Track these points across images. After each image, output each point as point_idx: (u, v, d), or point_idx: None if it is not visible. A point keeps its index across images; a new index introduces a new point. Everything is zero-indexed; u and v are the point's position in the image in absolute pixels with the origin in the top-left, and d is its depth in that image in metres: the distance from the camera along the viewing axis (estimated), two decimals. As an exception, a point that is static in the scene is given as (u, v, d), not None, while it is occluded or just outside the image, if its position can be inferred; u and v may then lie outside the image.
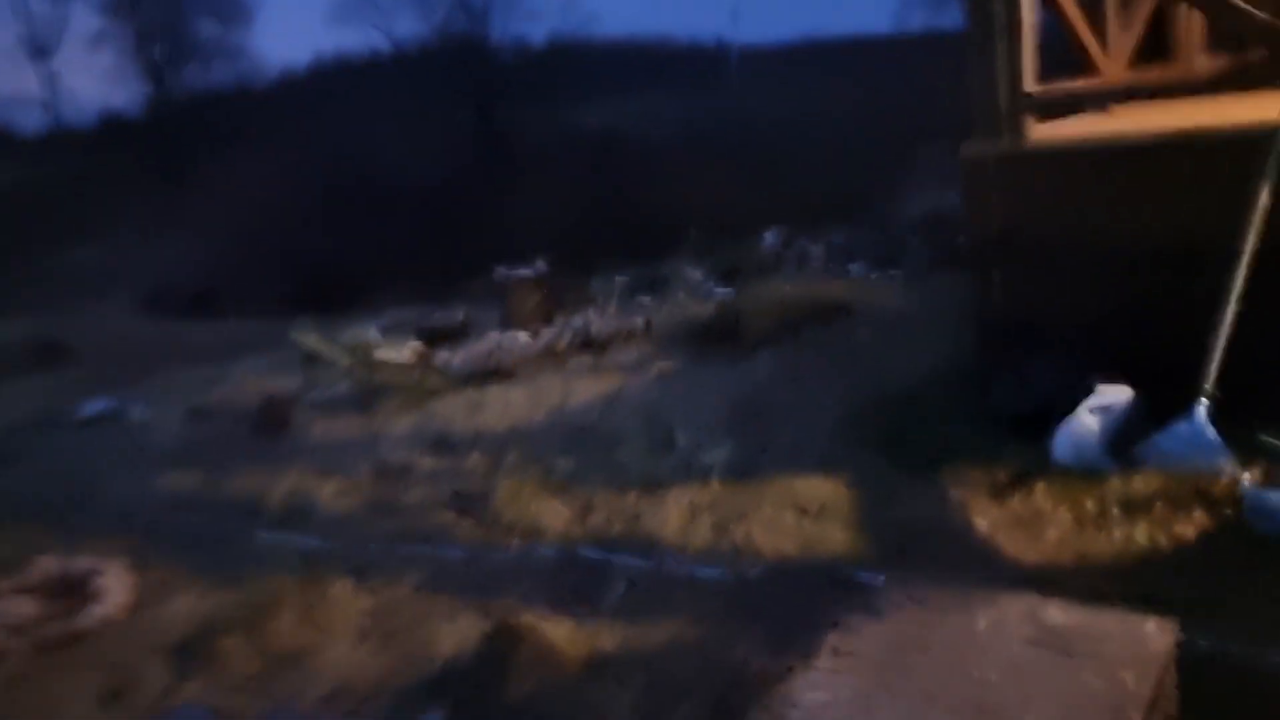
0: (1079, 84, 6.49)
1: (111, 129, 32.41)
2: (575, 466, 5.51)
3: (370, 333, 10.03)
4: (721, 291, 11.99)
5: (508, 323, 9.81)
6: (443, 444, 6.21)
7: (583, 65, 32.59)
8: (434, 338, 9.93)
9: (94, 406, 8.70)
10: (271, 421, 7.09)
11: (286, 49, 54.82)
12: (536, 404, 6.97)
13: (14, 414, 9.14)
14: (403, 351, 8.94)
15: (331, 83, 33.07)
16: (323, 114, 30.37)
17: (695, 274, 13.19)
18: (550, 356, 8.53)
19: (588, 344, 8.84)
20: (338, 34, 47.27)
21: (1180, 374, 4.58)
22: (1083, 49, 6.52)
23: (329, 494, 5.65)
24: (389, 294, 20.10)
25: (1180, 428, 4.52)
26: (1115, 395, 4.84)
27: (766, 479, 5.00)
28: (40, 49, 30.55)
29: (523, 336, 9.49)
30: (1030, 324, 5.37)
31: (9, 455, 7.46)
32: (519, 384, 7.61)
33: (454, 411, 7.03)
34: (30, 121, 32.16)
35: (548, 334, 9.24)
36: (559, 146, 25.56)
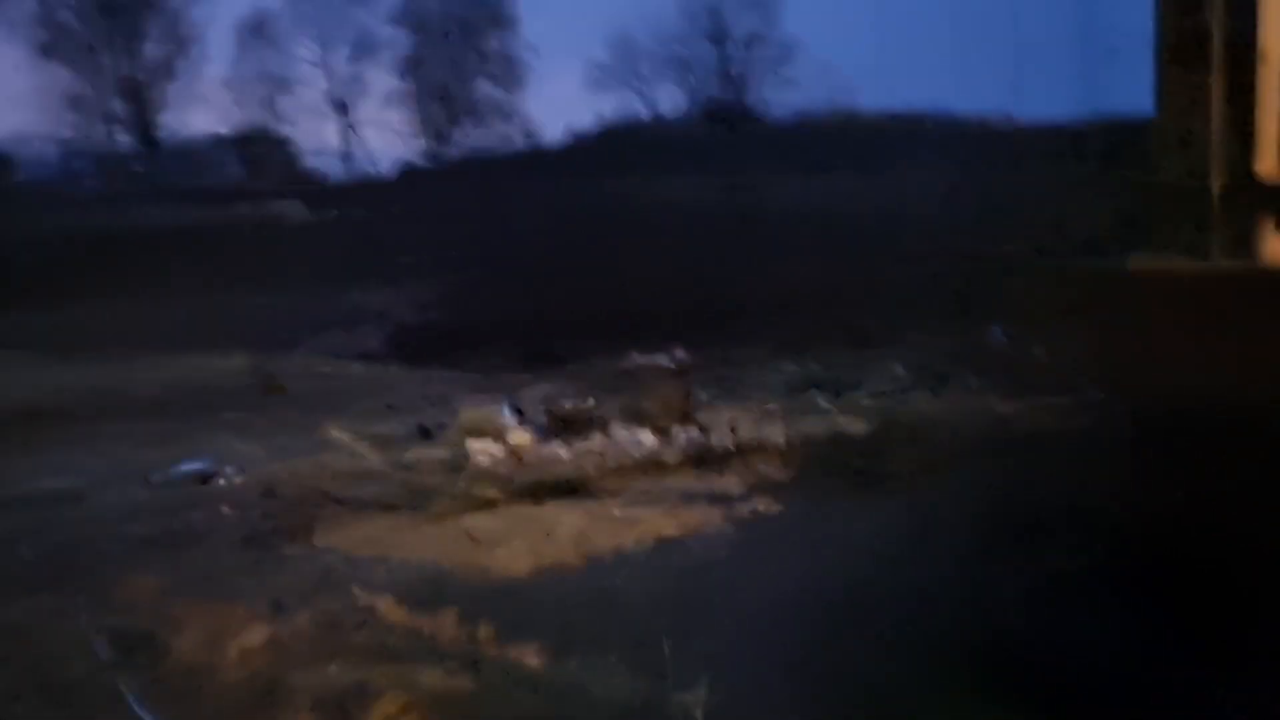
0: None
1: (400, 180, 34.17)
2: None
3: (494, 413, 8.85)
4: (917, 395, 9.92)
5: (637, 418, 8.31)
6: (417, 592, 4.76)
7: (837, 137, 30.86)
8: (560, 425, 8.61)
9: (186, 466, 8.02)
10: (289, 525, 5.96)
11: (550, 112, 56.39)
12: (579, 543, 5.40)
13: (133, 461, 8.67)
14: (499, 443, 7.67)
15: (589, 147, 33.23)
16: (571, 178, 30.51)
17: (899, 370, 11.17)
18: (652, 469, 6.95)
19: (705, 458, 7.20)
20: (598, 100, 48.02)
21: None
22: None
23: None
24: (606, 356, 19.34)
25: None
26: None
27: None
28: (340, 104, 32.67)
29: (647, 438, 7.97)
30: None
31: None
32: (583, 506, 6.07)
33: (471, 540, 5.59)
34: (330, 169, 34.49)
35: (662, 439, 7.68)
36: (799, 223, 23.98)
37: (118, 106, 31.43)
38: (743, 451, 7.12)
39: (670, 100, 35.48)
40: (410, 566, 5.19)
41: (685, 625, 4.14)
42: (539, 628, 4.23)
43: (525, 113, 35.76)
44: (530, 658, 3.96)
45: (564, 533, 5.56)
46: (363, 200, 33.65)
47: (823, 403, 9.58)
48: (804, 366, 11.14)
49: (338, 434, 7.28)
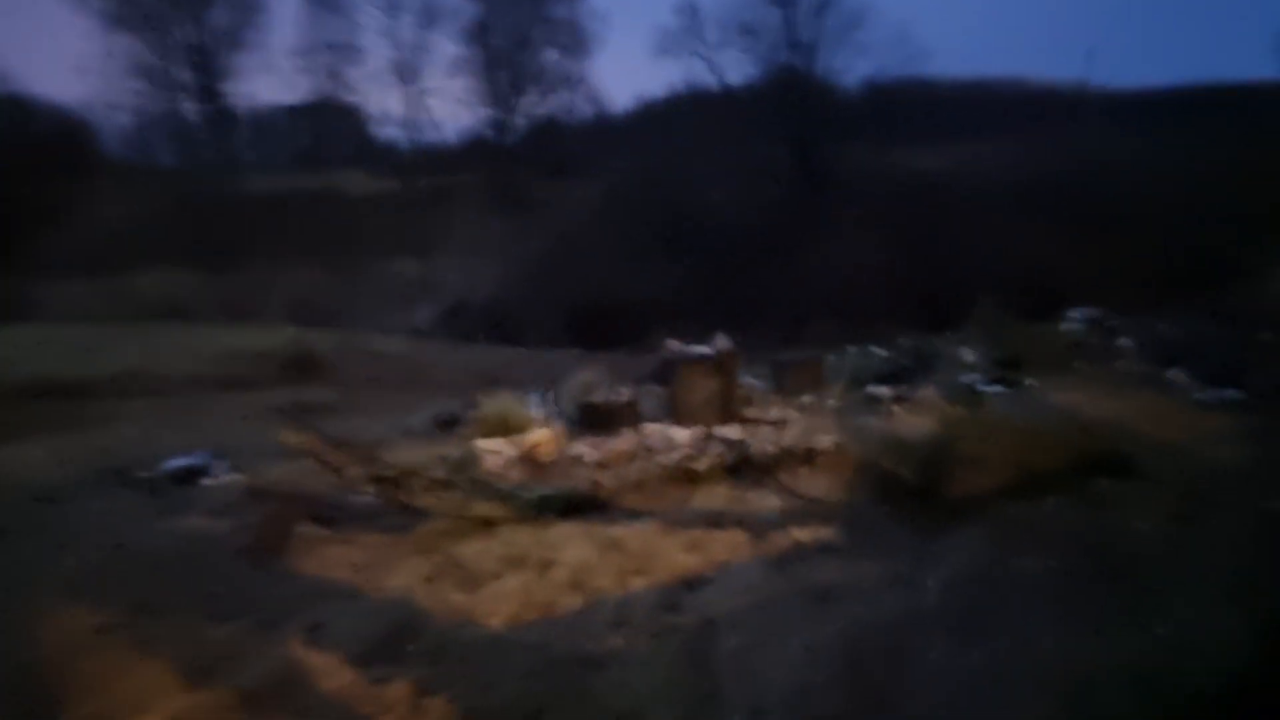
0: None
1: (465, 150, 33.39)
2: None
3: (522, 404, 7.91)
4: (991, 390, 8.71)
5: (675, 414, 7.30)
6: (374, 650, 3.84)
7: (915, 105, 29.11)
8: (595, 418, 7.63)
9: (178, 461, 7.24)
10: (265, 542, 5.09)
11: (615, 79, 54.96)
12: (579, 582, 4.43)
13: (124, 454, 7.95)
14: (516, 442, 6.71)
15: (657, 116, 31.98)
16: (645, 147, 29.30)
17: (969, 356, 9.94)
18: (682, 478, 5.94)
19: (742, 465, 6.16)
20: (663, 67, 46.45)
21: None
22: None
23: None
24: (673, 333, 18.19)
25: None
26: None
27: None
28: (407, 72, 31.89)
29: (681, 436, 6.95)
30: None
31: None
32: (593, 531, 5.08)
33: (457, 572, 4.64)
34: (395, 138, 33.85)
35: (697, 441, 6.64)
36: (873, 192, 22.56)
37: (186, 76, 31.05)
38: (789, 458, 6.06)
39: (738, 68, 34.05)
40: (376, 610, 4.27)
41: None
42: (504, 708, 3.30)
43: (592, 80, 34.66)
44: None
45: (565, 567, 4.60)
46: (428, 169, 32.96)
47: (885, 393, 8.47)
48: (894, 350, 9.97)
49: (286, 437, 6.32)
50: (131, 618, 4.28)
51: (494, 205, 31.20)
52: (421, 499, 5.24)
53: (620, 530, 5.05)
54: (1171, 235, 16.21)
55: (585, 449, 6.92)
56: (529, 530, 5.13)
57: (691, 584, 4.30)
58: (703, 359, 7.29)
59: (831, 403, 8.19)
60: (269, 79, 48.86)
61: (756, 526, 4.98)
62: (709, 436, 6.78)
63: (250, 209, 29.36)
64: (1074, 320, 11.16)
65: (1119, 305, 12.21)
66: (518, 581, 4.48)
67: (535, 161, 31.70)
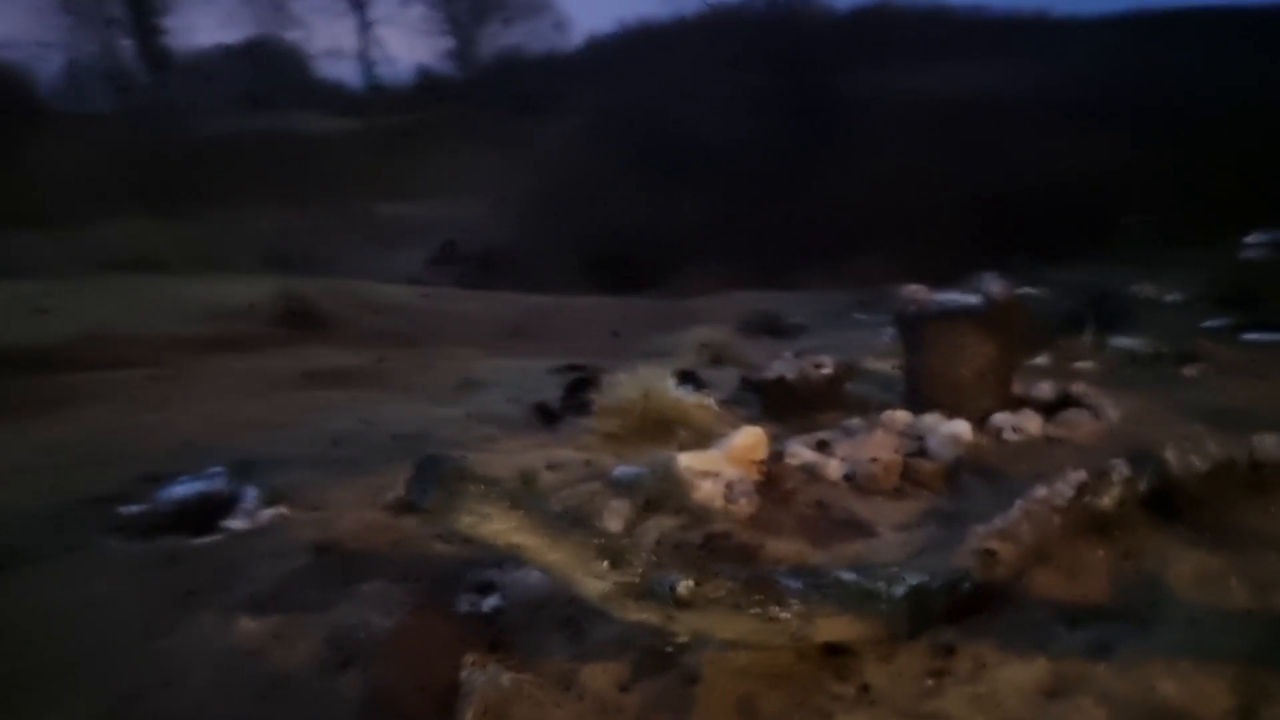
0: None
1: (424, 85, 29.81)
2: None
3: (662, 380, 5.24)
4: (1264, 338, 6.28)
5: (930, 394, 4.71)
6: None
7: (887, 32, 26.40)
8: (784, 402, 5.03)
9: (184, 488, 4.45)
10: (407, 702, 2.45)
11: (588, 7, 50.87)
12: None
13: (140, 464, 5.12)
14: (736, 452, 4.07)
15: (637, 45, 28.80)
16: (628, 78, 26.20)
17: (1171, 295, 7.57)
18: (1085, 526, 3.36)
19: (1165, 495, 3.61)
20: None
21: None
22: None
23: None
24: (697, 277, 15.45)
25: None
26: None
27: None
28: (358, 1, 28.08)
29: (963, 430, 4.38)
30: None
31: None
32: (1052, 662, 2.49)
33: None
34: (346, 75, 30.09)
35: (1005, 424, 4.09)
36: (884, 114, 19.88)
37: (117, 11, 26.88)
38: (1235, 479, 3.52)
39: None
40: None
41: None
42: None
43: (559, 6, 31.21)
44: None
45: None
46: (384, 108, 29.32)
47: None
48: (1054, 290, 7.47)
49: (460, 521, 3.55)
50: None
51: (467, 143, 27.87)
52: (708, 607, 2.56)
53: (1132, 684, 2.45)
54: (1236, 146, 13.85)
55: (808, 453, 4.32)
56: (915, 671, 2.52)
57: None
58: (971, 313, 4.66)
59: (1085, 364, 5.72)
60: (207, 15, 44.01)
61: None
62: (1010, 434, 4.23)
63: (204, 153, 25.67)
64: (1257, 245, 8.81)
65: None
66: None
67: (502, 96, 28.32)
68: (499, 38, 29.07)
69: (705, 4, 25.79)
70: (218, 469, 4.62)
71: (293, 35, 30.51)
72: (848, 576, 2.60)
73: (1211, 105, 15.09)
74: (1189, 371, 5.49)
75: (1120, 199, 11.06)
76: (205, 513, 4.22)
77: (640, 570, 2.15)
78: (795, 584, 2.42)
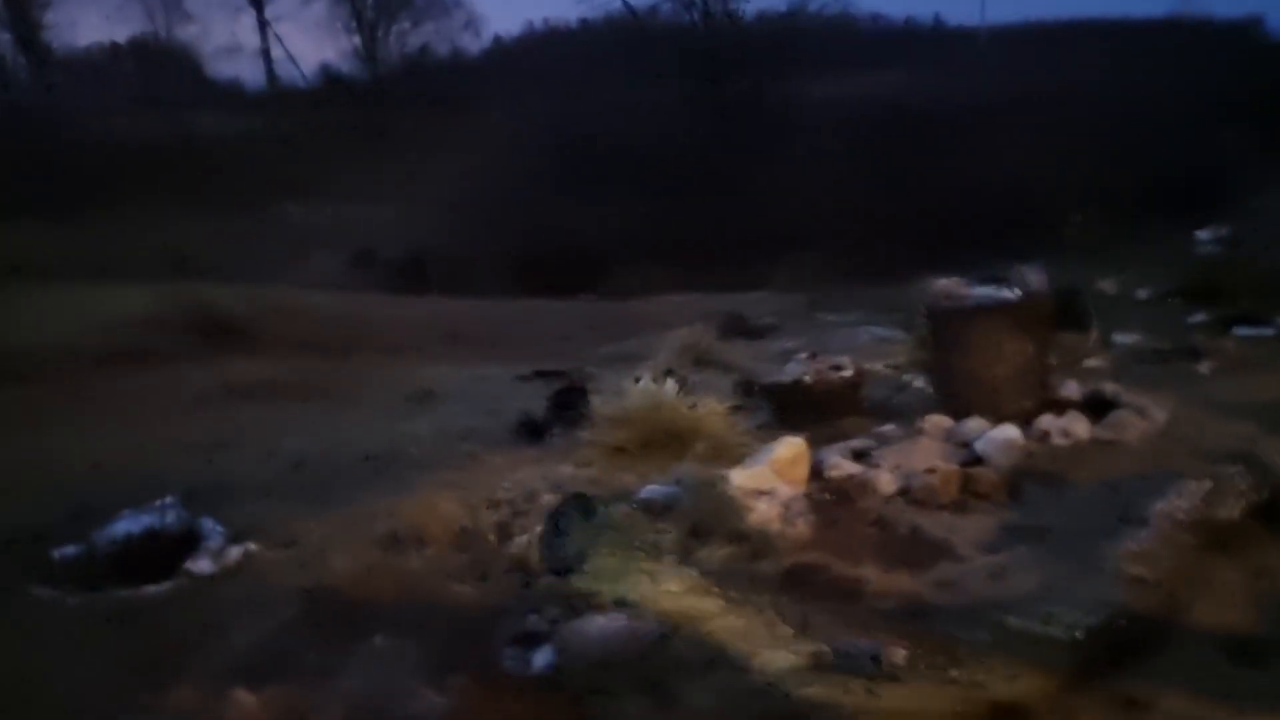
0: None
1: (327, 85, 28.45)
2: None
3: (656, 382, 4.73)
4: (1249, 333, 6.13)
5: (964, 396, 4.31)
6: None
7: (808, 40, 26.49)
8: (799, 406, 4.56)
9: (129, 524, 3.70)
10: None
11: (498, 8, 49.57)
12: None
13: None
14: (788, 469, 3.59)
15: (550, 46, 28.16)
16: (544, 79, 25.56)
17: (1143, 293, 7.46)
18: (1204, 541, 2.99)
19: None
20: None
21: None
22: None
23: None
24: (632, 280, 14.93)
25: None
26: None
27: None
28: (257, -2, 26.57)
29: (1015, 435, 3.99)
30: None
31: None
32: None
33: None
34: (246, 73, 28.47)
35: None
36: (803, 118, 19.78)
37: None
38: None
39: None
40: None
41: None
42: None
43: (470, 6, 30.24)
44: None
45: None
46: (285, 109, 27.79)
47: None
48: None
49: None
50: None
51: (378, 144, 26.68)
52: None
53: None
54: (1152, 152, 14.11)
55: (849, 464, 3.88)
56: None
57: None
58: (1004, 308, 4.29)
59: (1094, 362, 5.46)
60: (91, 10, 41.27)
61: None
62: (1059, 438, 3.88)
63: (92, 154, 23.84)
64: (1205, 240, 8.83)
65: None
66: None
67: (413, 96, 27.22)
68: (407, 36, 27.97)
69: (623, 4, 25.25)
70: (168, 500, 3.89)
71: (186, 32, 28.61)
72: (1013, 620, 2.14)
73: (1111, 111, 15.45)
74: (1202, 368, 5.30)
75: (1053, 200, 11.08)
76: (157, 554, 3.52)
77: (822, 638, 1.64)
78: (979, 635, 1.95)
